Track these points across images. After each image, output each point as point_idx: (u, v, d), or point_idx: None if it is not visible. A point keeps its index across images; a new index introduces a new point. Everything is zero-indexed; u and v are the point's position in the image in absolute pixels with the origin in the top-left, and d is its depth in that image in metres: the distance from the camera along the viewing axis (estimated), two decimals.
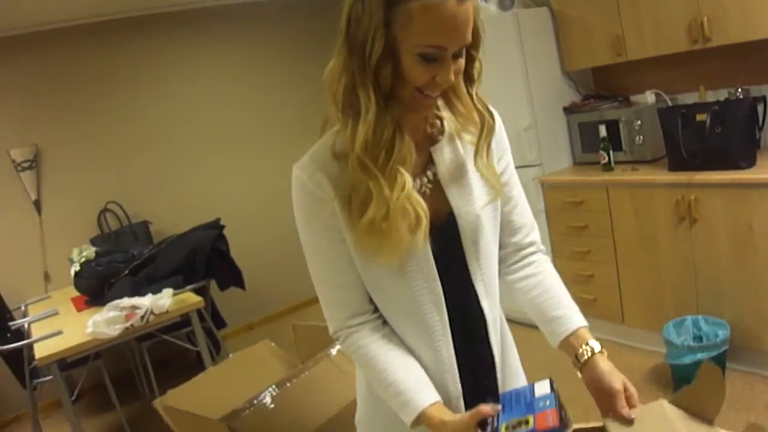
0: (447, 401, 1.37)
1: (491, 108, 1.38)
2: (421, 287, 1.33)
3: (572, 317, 1.46)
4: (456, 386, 1.39)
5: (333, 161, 1.29)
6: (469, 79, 1.32)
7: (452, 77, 1.22)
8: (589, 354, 1.39)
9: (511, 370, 1.54)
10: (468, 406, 1.38)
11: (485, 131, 1.36)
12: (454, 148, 1.40)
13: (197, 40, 5.92)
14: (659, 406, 1.28)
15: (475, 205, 1.37)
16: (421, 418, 1.28)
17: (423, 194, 1.33)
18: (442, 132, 1.40)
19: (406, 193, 1.24)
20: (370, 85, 1.21)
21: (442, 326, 1.36)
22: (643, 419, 1.26)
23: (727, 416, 3.17)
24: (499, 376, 1.47)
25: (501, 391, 1.45)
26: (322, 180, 1.29)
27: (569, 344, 1.43)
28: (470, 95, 1.33)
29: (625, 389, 1.31)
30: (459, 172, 1.38)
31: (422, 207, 1.27)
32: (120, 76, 5.54)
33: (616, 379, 1.32)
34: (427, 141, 1.39)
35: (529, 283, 1.52)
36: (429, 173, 1.37)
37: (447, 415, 1.28)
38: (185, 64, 5.88)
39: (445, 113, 1.40)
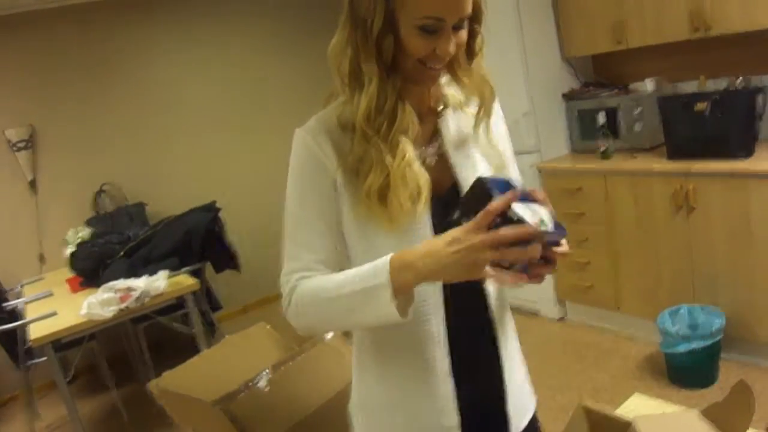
0: (434, 376, 1.34)
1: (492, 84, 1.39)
2: None
3: None
4: (444, 361, 1.35)
5: (339, 130, 1.31)
6: (470, 52, 1.33)
7: (453, 49, 1.23)
8: None
9: (511, 351, 1.47)
10: (458, 382, 1.36)
11: (485, 104, 1.38)
12: (459, 121, 1.41)
13: (194, 19, 5.89)
14: (691, 415, 1.27)
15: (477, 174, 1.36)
16: (396, 269, 1.15)
17: (428, 165, 1.34)
18: (447, 105, 1.42)
19: (407, 161, 1.25)
20: (373, 57, 1.23)
21: (434, 297, 1.32)
22: (673, 425, 1.26)
23: None
24: (501, 347, 1.42)
25: (505, 372, 1.42)
26: (327, 146, 1.30)
27: None
28: (471, 69, 1.35)
29: None
30: (464, 144, 1.40)
31: (423, 177, 1.27)
32: (117, 56, 5.51)
33: None
34: (433, 114, 1.40)
35: None
36: (434, 145, 1.38)
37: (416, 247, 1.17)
38: (183, 43, 5.85)
39: (450, 88, 1.41)
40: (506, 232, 1.04)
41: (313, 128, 1.33)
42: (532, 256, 1.07)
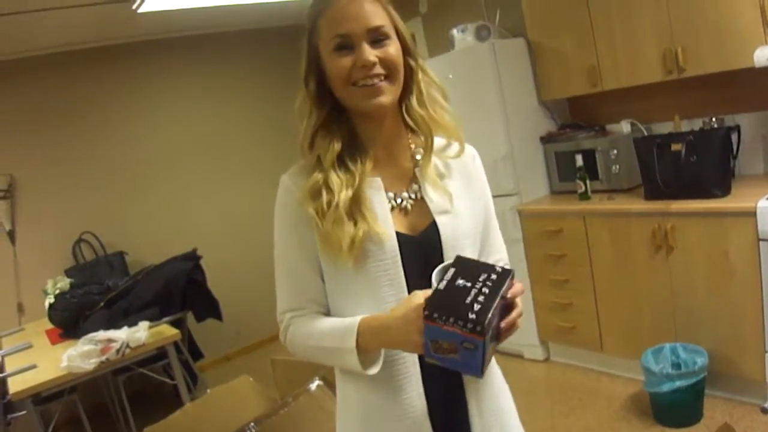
0: (411, 414, 1.37)
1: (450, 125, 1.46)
2: (388, 294, 1.34)
3: None
4: (421, 400, 1.37)
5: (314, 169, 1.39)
6: (408, 91, 1.42)
7: (370, 57, 1.31)
8: None
9: (486, 388, 1.47)
10: (432, 418, 1.38)
11: (429, 141, 1.44)
12: (436, 167, 1.45)
13: (171, 70, 5.92)
14: None
15: (457, 218, 1.41)
16: (362, 337, 1.28)
17: (404, 209, 1.41)
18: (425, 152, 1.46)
19: (317, 178, 1.36)
20: (308, 95, 1.39)
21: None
22: None
23: None
24: (467, 389, 1.42)
25: (470, 408, 1.43)
26: (301, 183, 1.38)
27: None
28: (408, 106, 1.43)
29: None
30: (441, 187, 1.43)
31: (344, 194, 1.33)
32: (95, 106, 5.51)
33: None
34: (411, 161, 1.46)
35: None
36: (411, 191, 1.43)
37: (381, 315, 1.29)
38: (160, 93, 5.87)
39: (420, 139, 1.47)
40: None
41: (292, 170, 1.43)
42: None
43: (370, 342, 1.28)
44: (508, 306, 1.22)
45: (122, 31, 5.34)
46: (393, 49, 1.34)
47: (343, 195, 1.33)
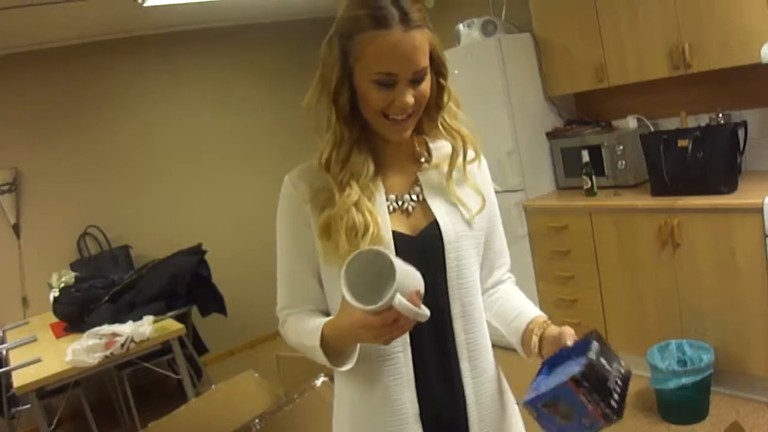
0: (403, 419, 1.37)
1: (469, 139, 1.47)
2: None
3: (529, 311, 1.51)
4: (413, 403, 1.37)
5: (318, 171, 1.40)
6: (438, 106, 1.42)
7: (409, 100, 1.30)
8: (545, 327, 1.42)
9: (486, 396, 1.46)
10: (425, 424, 1.37)
11: (454, 155, 1.45)
12: (442, 173, 1.46)
13: (178, 64, 5.90)
14: None
15: (460, 222, 1.41)
16: (326, 337, 1.32)
17: (405, 210, 1.42)
18: (429, 160, 1.48)
19: (351, 201, 1.33)
20: (333, 110, 1.35)
21: (401, 336, 1.33)
22: None
23: None
24: (468, 392, 1.41)
25: (470, 413, 1.42)
26: (302, 185, 1.41)
27: (528, 330, 1.46)
28: (438, 122, 1.44)
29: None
30: (445, 194, 1.44)
31: (372, 215, 1.34)
32: (101, 100, 5.50)
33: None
34: (416, 165, 1.48)
35: (493, 299, 1.58)
36: (413, 193, 1.43)
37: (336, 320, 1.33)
38: (166, 87, 5.85)
39: (435, 143, 1.50)
40: (375, 320, 1.15)
41: (295, 172, 1.44)
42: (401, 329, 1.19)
43: (332, 341, 1.32)
44: None
45: (129, 25, 5.33)
46: (427, 85, 1.34)
47: (345, 204, 1.34)
